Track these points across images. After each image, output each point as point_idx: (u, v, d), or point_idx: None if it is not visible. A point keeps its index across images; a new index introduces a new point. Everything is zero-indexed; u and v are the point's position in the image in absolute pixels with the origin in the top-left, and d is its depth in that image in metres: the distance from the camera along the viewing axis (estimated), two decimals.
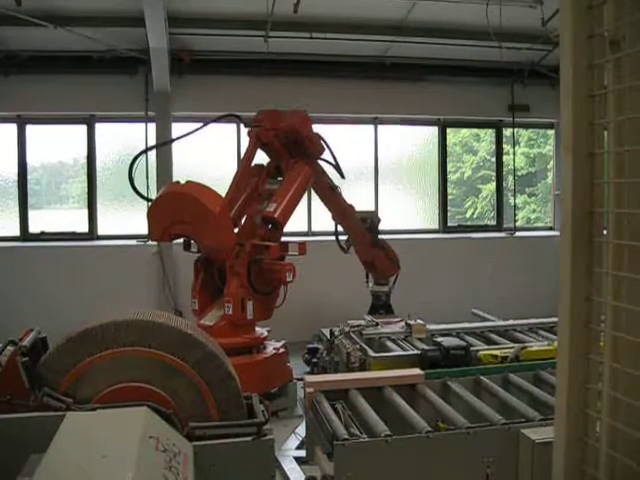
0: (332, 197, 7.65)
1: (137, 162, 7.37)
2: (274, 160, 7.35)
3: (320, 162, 7.51)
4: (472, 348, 5.75)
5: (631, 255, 1.74)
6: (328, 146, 7.46)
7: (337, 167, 7.65)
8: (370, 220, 8.07)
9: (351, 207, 7.80)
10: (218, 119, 7.80)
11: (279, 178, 7.26)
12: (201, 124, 7.57)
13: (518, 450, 3.68)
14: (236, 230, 6.93)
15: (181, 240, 7.10)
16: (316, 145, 7.30)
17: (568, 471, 1.82)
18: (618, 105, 1.74)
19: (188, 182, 6.75)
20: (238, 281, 6.67)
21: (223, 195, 6.87)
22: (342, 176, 7.72)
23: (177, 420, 3.09)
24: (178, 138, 7.97)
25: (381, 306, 8.20)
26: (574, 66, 1.76)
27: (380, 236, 8.25)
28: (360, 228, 7.91)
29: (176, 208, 6.61)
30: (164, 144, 8.91)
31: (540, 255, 10.63)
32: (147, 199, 7.59)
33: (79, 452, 2.53)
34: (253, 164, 7.30)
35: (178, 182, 6.94)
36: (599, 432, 1.79)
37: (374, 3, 8.98)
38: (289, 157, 7.22)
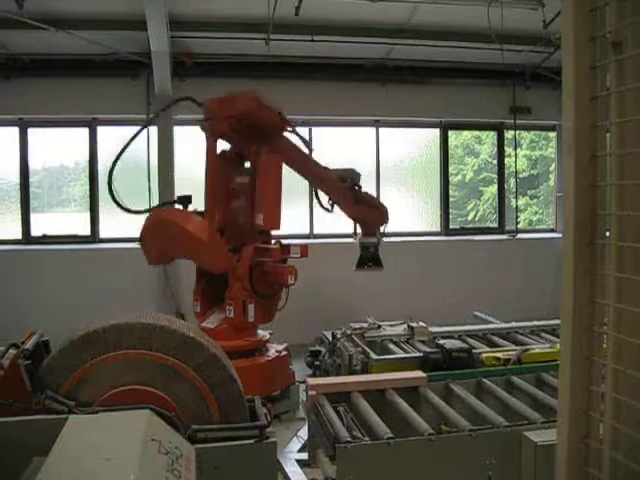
0: (305, 166, 7.42)
1: (114, 172, 7.33)
2: (235, 147, 7.19)
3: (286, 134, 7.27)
4: (474, 350, 5.75)
5: (633, 257, 1.74)
6: (286, 121, 7.20)
7: (303, 140, 7.46)
8: (350, 178, 7.66)
9: (326, 169, 7.54)
10: (175, 102, 7.75)
11: (247, 165, 7.17)
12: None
13: (520, 452, 3.68)
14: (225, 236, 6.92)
15: None
16: (273, 122, 7.02)
17: (571, 473, 1.81)
18: (620, 107, 1.73)
19: (169, 208, 7.02)
20: (240, 284, 6.66)
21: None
22: (309, 149, 7.54)
23: (179, 423, 3.09)
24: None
25: (369, 258, 7.86)
26: (576, 68, 1.76)
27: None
28: (339, 188, 7.56)
29: (165, 237, 6.71)
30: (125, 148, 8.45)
31: (542, 257, 10.63)
32: (128, 210, 7.49)
33: (81, 455, 2.53)
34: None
35: (161, 206, 7.21)
36: (602, 434, 1.79)
37: (376, 6, 8.98)
38: (251, 143, 7.00)
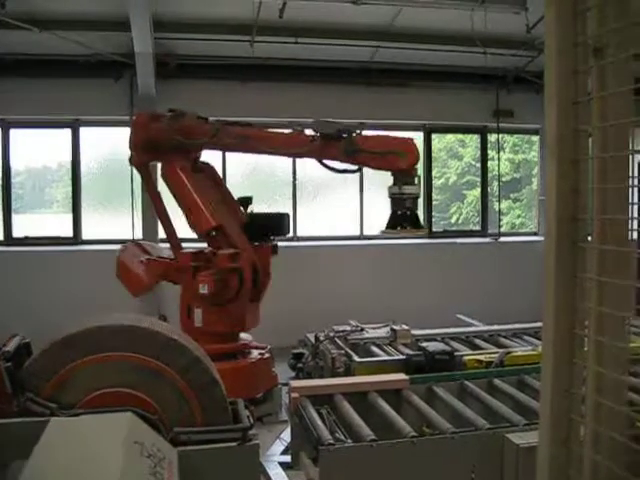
0: (254, 147, 6.76)
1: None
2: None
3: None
4: (457, 353, 5.76)
5: (614, 261, 1.76)
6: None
7: (237, 123, 7.00)
8: (316, 129, 6.41)
9: (278, 133, 6.93)
10: None
11: None
12: None
13: (503, 455, 3.70)
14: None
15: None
16: (166, 138, 6.77)
17: (552, 475, 1.83)
18: (602, 112, 1.75)
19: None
20: (183, 287, 6.76)
21: None
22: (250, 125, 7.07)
23: (162, 425, 3.09)
24: None
25: (404, 216, 6.19)
26: (558, 72, 1.77)
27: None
28: (311, 147, 6.43)
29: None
30: None
31: (524, 260, 10.69)
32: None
33: (63, 458, 2.52)
34: None
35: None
36: (583, 436, 1.81)
37: (360, 9, 9.01)
38: (166, 158, 6.95)
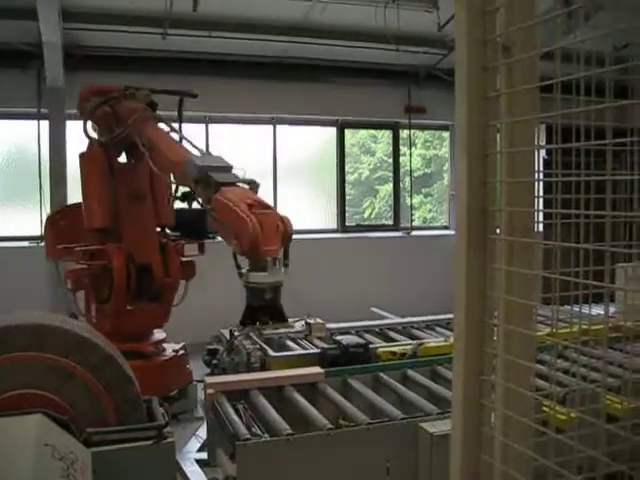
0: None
1: None
2: None
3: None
4: (371, 345, 5.82)
5: (521, 251, 1.82)
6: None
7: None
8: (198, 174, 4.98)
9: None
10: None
11: None
12: None
13: (417, 443, 3.77)
14: None
15: None
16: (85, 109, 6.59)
17: (465, 460, 1.88)
18: (510, 108, 1.81)
19: None
20: None
21: None
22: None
23: (74, 426, 3.01)
24: None
25: (265, 307, 4.96)
26: (469, 69, 1.82)
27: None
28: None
29: None
30: None
31: (436, 253, 10.94)
32: None
33: None
34: None
35: None
36: (493, 422, 1.87)
37: (274, 3, 9.00)
38: None
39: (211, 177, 4.88)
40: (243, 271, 4.71)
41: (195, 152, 5.67)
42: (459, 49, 1.85)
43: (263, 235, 4.46)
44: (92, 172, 6.64)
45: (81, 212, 6.66)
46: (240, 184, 4.99)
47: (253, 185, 5.05)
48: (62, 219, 7.16)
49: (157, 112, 6.61)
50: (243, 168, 5.28)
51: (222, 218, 4.58)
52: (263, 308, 4.83)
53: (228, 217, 4.52)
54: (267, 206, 4.72)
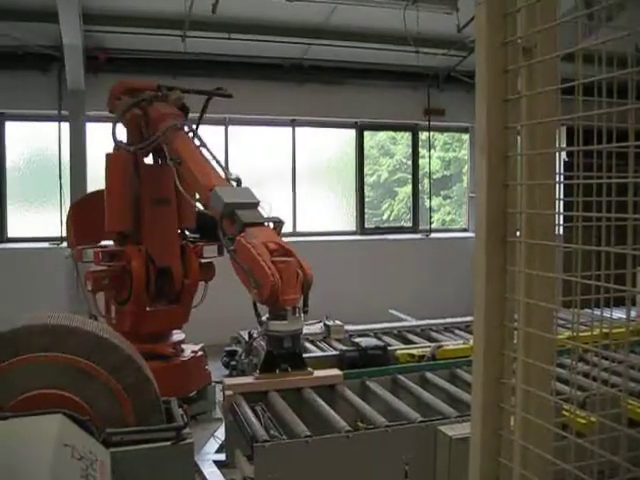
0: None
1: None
2: None
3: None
4: (390, 348, 5.82)
5: (542, 254, 1.81)
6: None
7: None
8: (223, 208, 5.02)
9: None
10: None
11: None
12: None
13: (435, 446, 3.76)
14: None
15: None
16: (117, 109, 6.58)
17: (484, 463, 1.87)
18: (530, 110, 1.80)
19: None
20: None
21: None
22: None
23: (93, 427, 3.02)
24: None
25: (283, 357, 4.67)
26: (489, 71, 1.81)
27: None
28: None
29: None
30: None
31: (455, 256, 10.90)
32: None
33: None
34: None
35: None
36: (513, 425, 1.86)
37: (294, 5, 9.01)
38: None
39: (237, 215, 4.89)
40: (263, 319, 4.65)
41: (220, 171, 5.73)
42: (479, 51, 1.84)
43: (283, 284, 4.42)
44: (117, 173, 6.60)
45: (103, 200, 6.65)
46: (265, 223, 5.02)
47: (278, 224, 5.09)
48: (84, 208, 7.16)
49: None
50: (270, 202, 5.34)
51: (244, 262, 4.58)
52: (283, 356, 4.69)
53: (250, 263, 4.52)
54: (288, 251, 4.70)
